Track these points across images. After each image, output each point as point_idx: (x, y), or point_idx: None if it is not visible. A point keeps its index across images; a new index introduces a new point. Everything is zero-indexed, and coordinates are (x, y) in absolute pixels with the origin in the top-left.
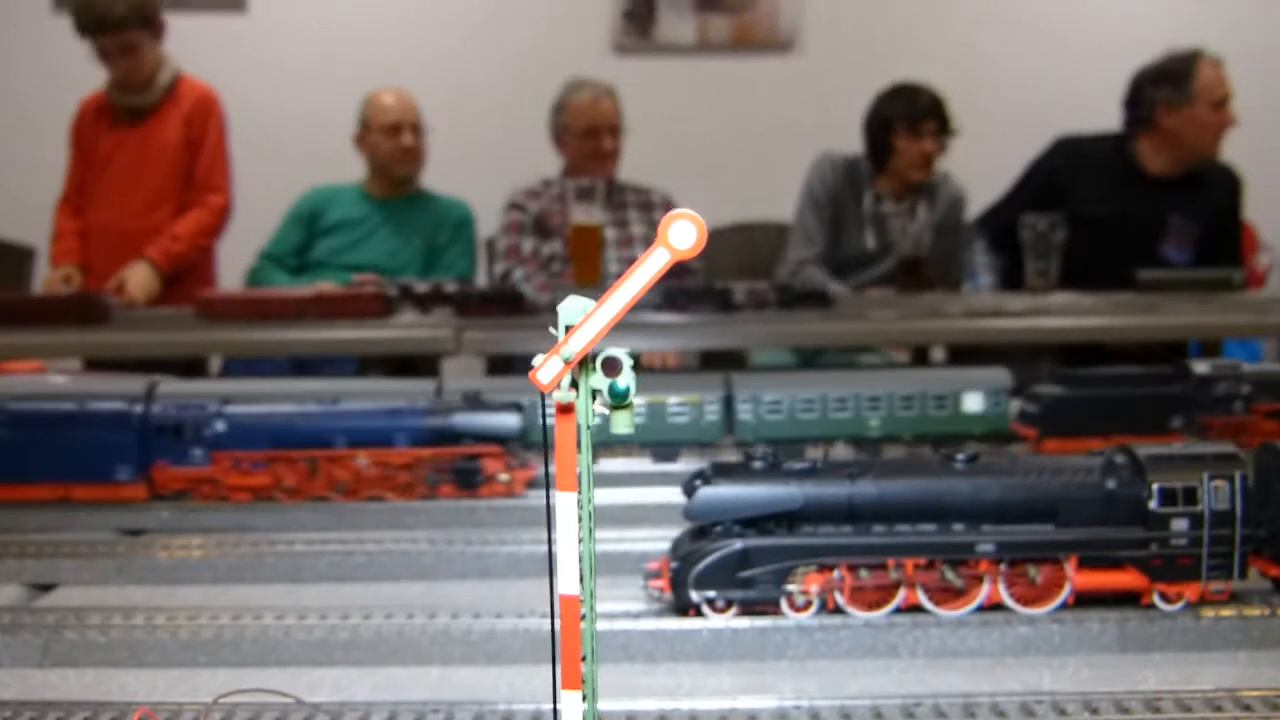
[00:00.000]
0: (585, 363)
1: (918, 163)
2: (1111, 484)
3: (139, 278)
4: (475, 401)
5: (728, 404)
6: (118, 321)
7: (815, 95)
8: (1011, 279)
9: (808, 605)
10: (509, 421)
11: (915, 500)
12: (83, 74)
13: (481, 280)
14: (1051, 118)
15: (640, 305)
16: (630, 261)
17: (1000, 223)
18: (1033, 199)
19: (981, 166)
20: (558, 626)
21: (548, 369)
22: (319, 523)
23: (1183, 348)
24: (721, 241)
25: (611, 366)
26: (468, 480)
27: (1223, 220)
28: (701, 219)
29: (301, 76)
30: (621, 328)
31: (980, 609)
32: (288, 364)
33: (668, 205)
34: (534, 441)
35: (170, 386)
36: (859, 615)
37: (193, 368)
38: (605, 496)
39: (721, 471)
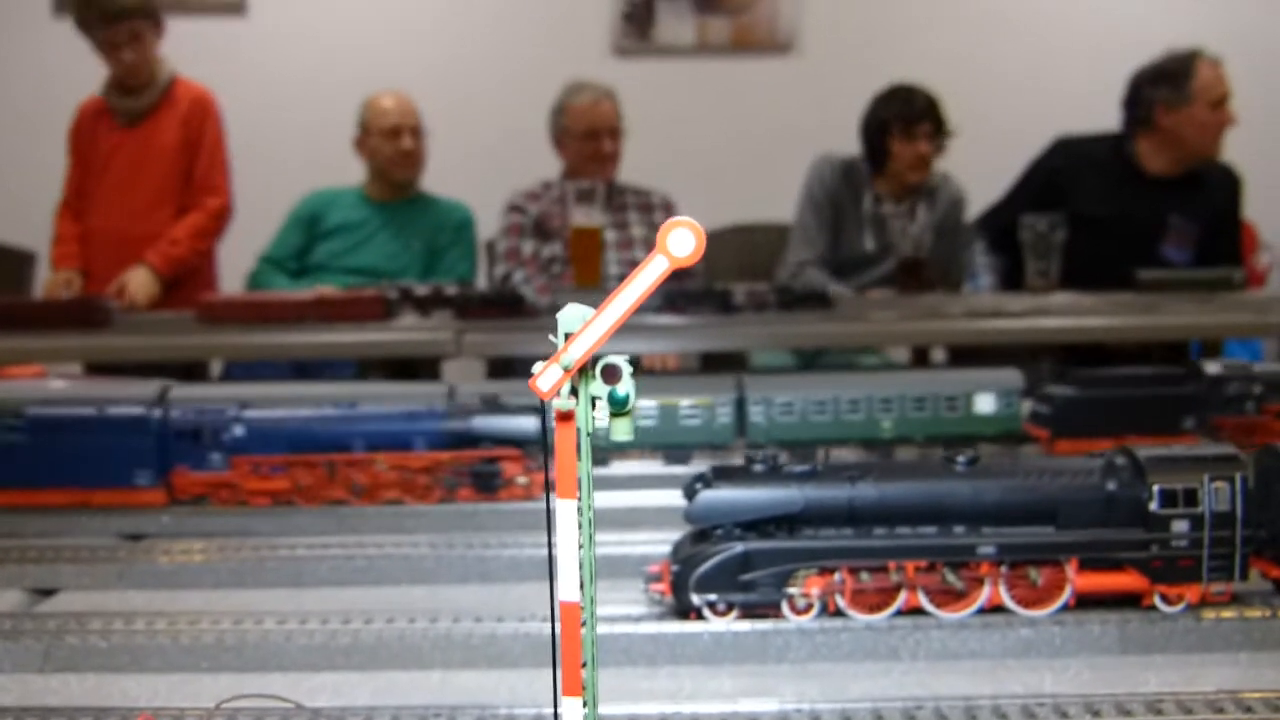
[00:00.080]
0: (585, 370)
1: (913, 164)
2: (1112, 486)
3: (138, 282)
4: (494, 404)
5: (740, 406)
6: (118, 326)
7: (814, 97)
8: (1011, 279)
9: (809, 608)
10: (528, 424)
11: (916, 502)
12: (83, 78)
13: (482, 283)
14: (1051, 118)
15: (640, 308)
16: (631, 263)
17: (1000, 223)
18: (1032, 199)
19: (981, 167)
20: (558, 633)
21: (547, 376)
22: (320, 527)
23: (1183, 348)
24: (721, 243)
25: (611, 374)
26: (486, 483)
27: (1222, 220)
28: (700, 226)
29: (301, 80)
30: (621, 330)
31: (981, 611)
32: (288, 367)
33: (668, 207)
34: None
35: (185, 391)
36: (860, 618)
37: (193, 371)
38: (617, 499)
39: (722, 474)
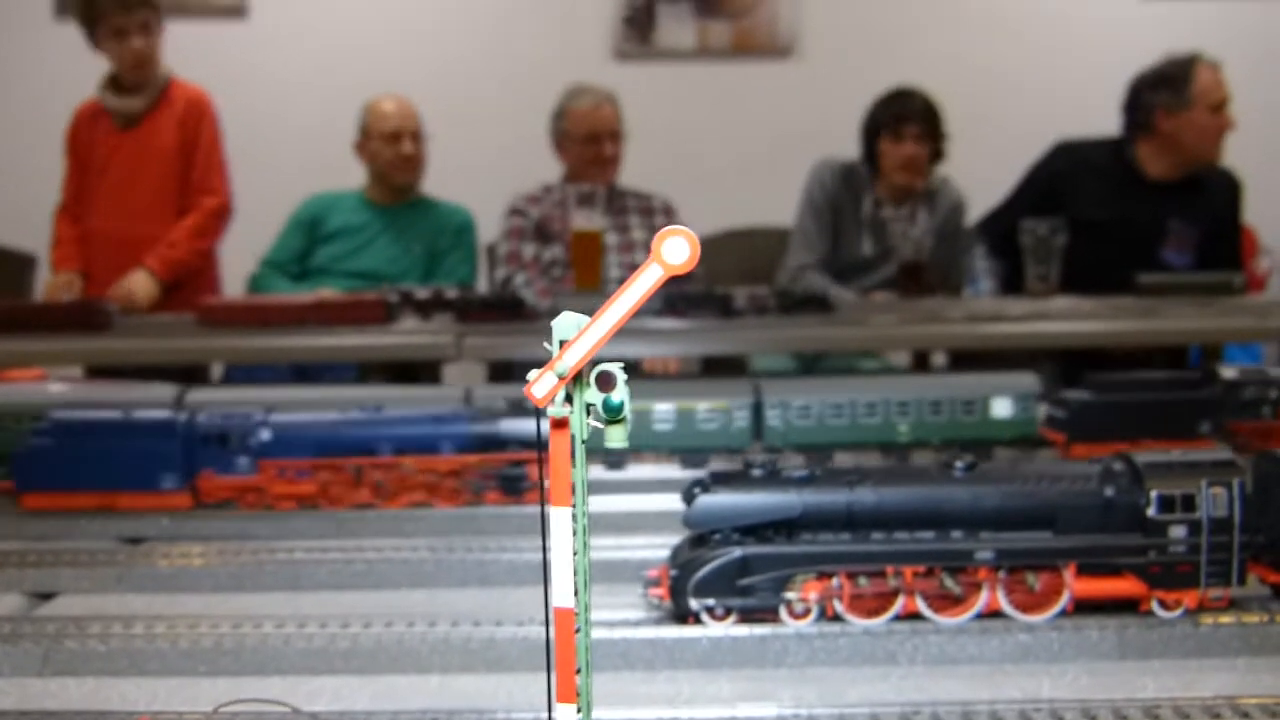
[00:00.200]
0: (580, 377)
1: (901, 165)
2: (1110, 491)
3: (138, 286)
4: (520, 407)
5: (756, 410)
6: (119, 328)
7: (815, 101)
8: (1012, 284)
9: (807, 613)
10: None
11: (914, 508)
12: (83, 81)
13: (482, 286)
14: (1051, 122)
15: (640, 311)
16: (632, 267)
17: (1000, 227)
18: (1033, 204)
19: (981, 171)
20: (552, 639)
21: (542, 384)
22: (319, 531)
23: (1183, 352)
24: (722, 247)
25: (605, 381)
26: (513, 486)
27: (1222, 224)
28: (694, 234)
29: (302, 83)
30: (621, 334)
31: (979, 616)
32: (289, 370)
33: (668, 210)
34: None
35: (203, 394)
36: (858, 623)
37: (194, 375)
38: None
39: (721, 479)
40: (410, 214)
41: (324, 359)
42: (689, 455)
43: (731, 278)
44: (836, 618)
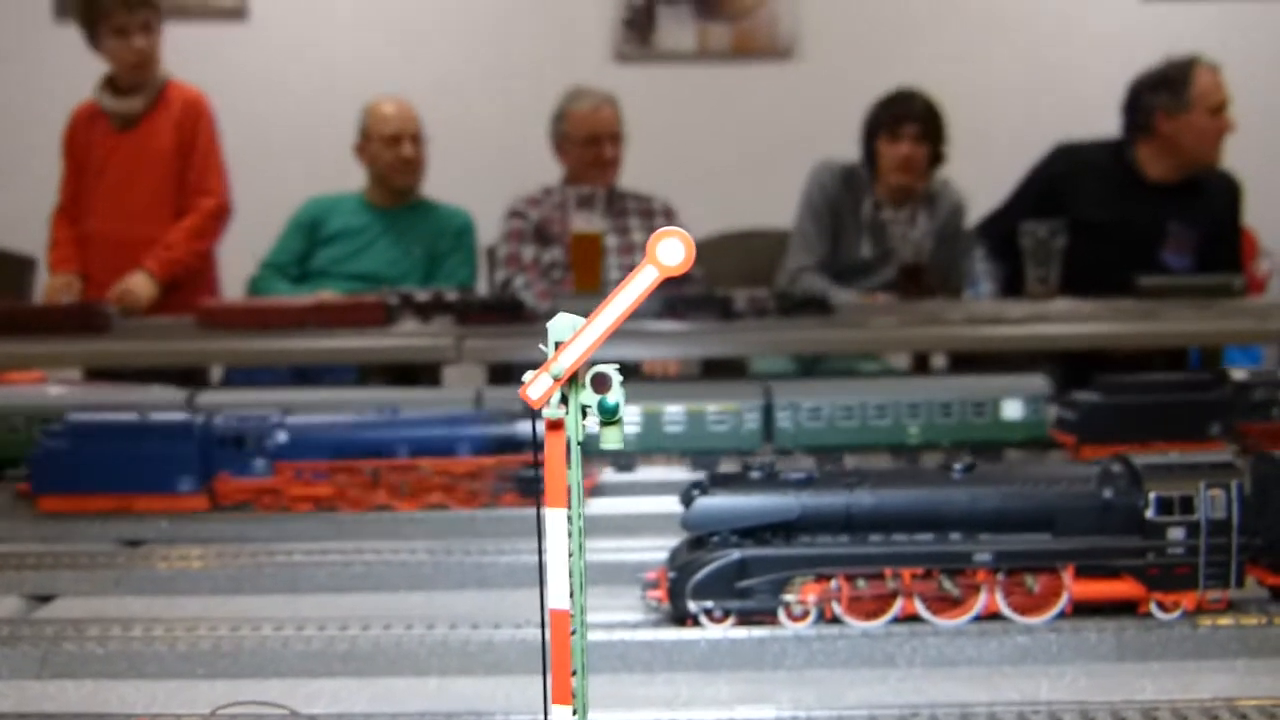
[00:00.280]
0: (575, 378)
1: (898, 166)
2: (1108, 493)
3: (136, 287)
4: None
5: (767, 412)
6: (118, 331)
7: (815, 102)
8: (1012, 286)
9: (805, 615)
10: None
11: (912, 510)
12: (83, 83)
13: (482, 288)
14: (1051, 124)
15: (639, 313)
16: (631, 269)
17: (1000, 230)
18: (1033, 206)
19: (981, 173)
20: (548, 641)
21: (537, 385)
22: (317, 533)
23: (1183, 355)
24: (722, 249)
25: (601, 383)
26: (530, 488)
27: (1222, 226)
28: (690, 235)
29: (302, 85)
30: (620, 336)
31: (978, 618)
32: (288, 373)
33: (668, 213)
34: (597, 450)
35: (216, 397)
36: (856, 625)
37: (192, 377)
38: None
39: (719, 481)
40: (410, 216)
41: (324, 361)
42: (699, 457)
43: (731, 280)
44: (835, 620)
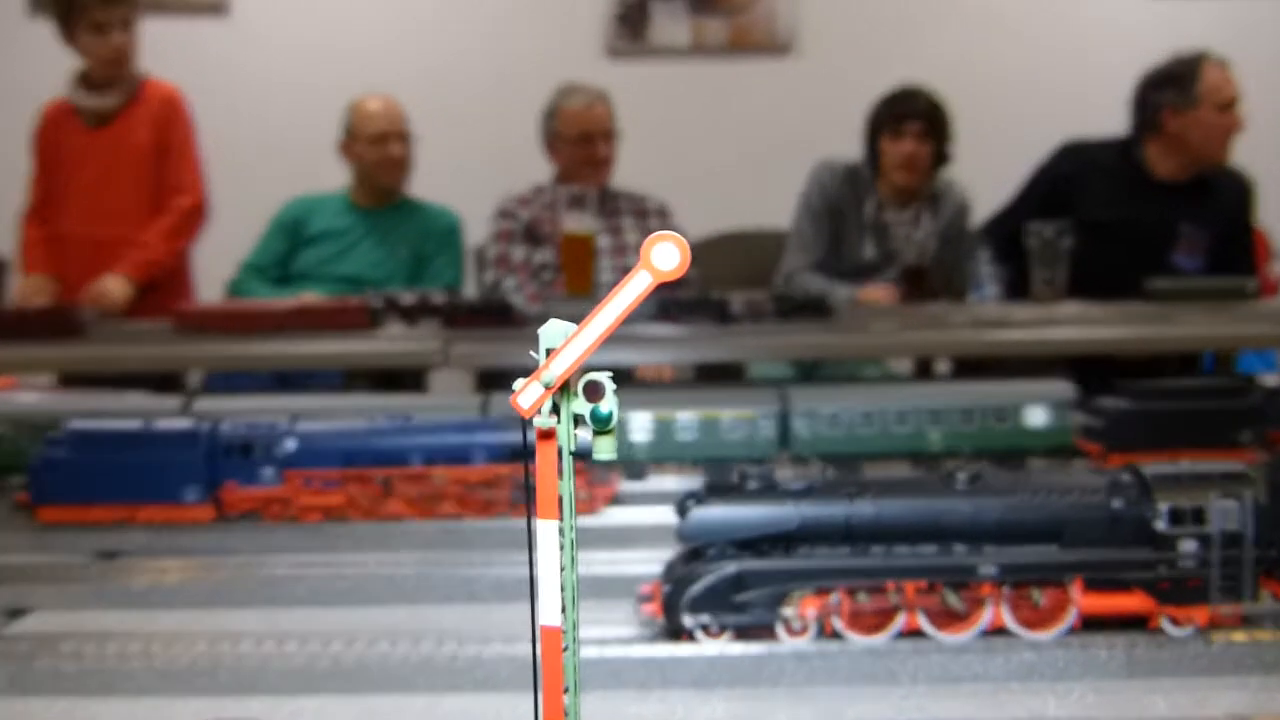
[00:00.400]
0: (567, 387)
1: (901, 164)
2: (1117, 504)
3: (111, 288)
4: None
5: (783, 419)
6: (94, 335)
7: (814, 99)
8: (1017, 288)
9: (804, 630)
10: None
11: (915, 521)
12: (58, 81)
13: (470, 290)
14: (1056, 122)
15: (633, 316)
16: (624, 270)
17: (1006, 230)
18: (1039, 206)
19: (986, 173)
20: (539, 658)
21: (528, 394)
22: (300, 544)
23: (1195, 359)
24: (718, 250)
25: (594, 391)
26: None
27: (1234, 227)
28: (684, 239)
29: (285, 82)
30: (612, 341)
31: (983, 633)
32: (270, 378)
33: (663, 213)
34: (620, 459)
35: (215, 404)
36: (857, 640)
37: (168, 383)
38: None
39: (716, 491)
40: (395, 216)
41: (306, 366)
42: (713, 465)
43: (728, 282)
44: (835, 635)
